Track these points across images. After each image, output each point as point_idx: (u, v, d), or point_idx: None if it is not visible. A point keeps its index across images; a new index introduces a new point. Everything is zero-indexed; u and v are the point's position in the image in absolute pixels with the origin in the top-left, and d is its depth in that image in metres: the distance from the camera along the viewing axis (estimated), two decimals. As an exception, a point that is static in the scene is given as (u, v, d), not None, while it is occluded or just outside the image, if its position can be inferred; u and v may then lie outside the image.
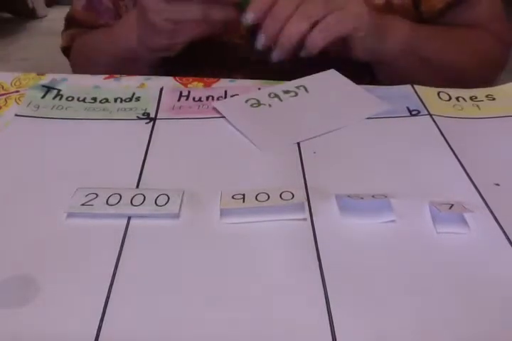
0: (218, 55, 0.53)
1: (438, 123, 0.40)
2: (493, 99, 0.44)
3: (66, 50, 0.62)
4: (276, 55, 0.42)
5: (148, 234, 0.30)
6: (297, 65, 0.44)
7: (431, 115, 0.41)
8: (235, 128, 0.39)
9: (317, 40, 0.41)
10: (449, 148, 0.37)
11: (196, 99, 0.44)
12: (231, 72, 0.50)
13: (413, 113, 0.42)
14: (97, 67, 0.55)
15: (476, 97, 0.44)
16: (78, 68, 0.61)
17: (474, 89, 0.45)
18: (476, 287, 0.27)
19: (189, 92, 0.44)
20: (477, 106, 0.43)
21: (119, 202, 0.31)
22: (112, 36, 0.52)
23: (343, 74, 0.45)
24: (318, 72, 0.46)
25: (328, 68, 0.46)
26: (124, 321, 0.25)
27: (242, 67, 0.51)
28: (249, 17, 0.41)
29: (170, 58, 0.49)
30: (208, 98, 0.44)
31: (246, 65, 0.51)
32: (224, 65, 0.53)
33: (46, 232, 0.30)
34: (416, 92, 0.44)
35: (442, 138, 0.38)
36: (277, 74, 0.45)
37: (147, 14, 0.42)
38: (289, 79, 0.45)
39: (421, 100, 0.43)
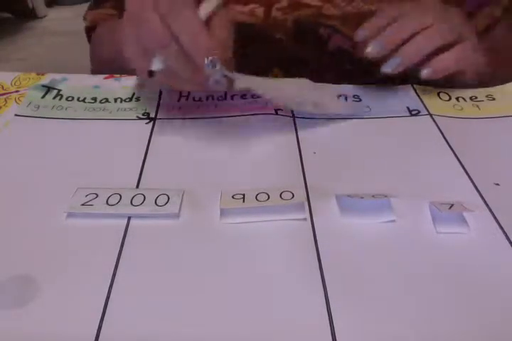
0: (262, 49, 0.52)
1: (438, 123, 0.40)
2: (493, 99, 0.44)
3: (89, 31, 0.58)
4: (390, 68, 0.40)
5: (148, 234, 0.30)
6: (335, 65, 0.44)
7: (431, 115, 0.41)
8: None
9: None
10: (449, 148, 0.37)
11: (196, 99, 0.44)
12: (271, 67, 0.50)
13: (413, 113, 0.42)
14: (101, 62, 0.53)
15: (476, 97, 0.44)
16: (94, 56, 0.58)
17: (474, 89, 0.45)
18: (476, 287, 0.27)
19: (189, 93, 0.44)
20: (477, 106, 0.43)
21: (119, 202, 0.31)
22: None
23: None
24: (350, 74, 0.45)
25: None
26: (124, 321, 0.25)
27: (281, 63, 0.51)
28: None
29: None
30: (207, 98, 0.44)
31: (286, 61, 0.51)
32: (266, 59, 0.52)
33: (46, 232, 0.30)
34: (416, 92, 0.44)
35: (442, 138, 0.38)
36: (314, 74, 0.45)
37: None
38: (323, 80, 0.45)
39: (421, 100, 0.43)
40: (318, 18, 0.50)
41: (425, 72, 0.39)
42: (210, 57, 0.34)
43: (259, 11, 0.51)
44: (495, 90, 0.45)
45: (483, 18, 0.51)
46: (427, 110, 0.42)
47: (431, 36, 0.39)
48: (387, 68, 0.39)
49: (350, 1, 0.49)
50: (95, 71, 0.60)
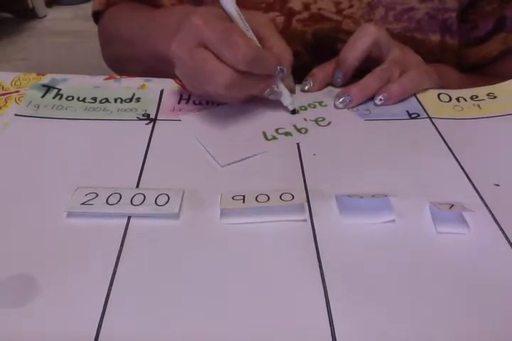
0: None
1: (437, 126, 0.40)
2: (494, 97, 0.44)
3: (96, 15, 0.57)
4: (342, 104, 0.43)
5: (148, 234, 0.30)
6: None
7: (430, 118, 0.41)
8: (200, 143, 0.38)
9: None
10: (448, 150, 0.37)
11: (196, 102, 0.44)
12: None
13: (412, 116, 0.42)
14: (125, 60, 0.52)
15: (476, 96, 0.44)
16: (103, 47, 0.57)
17: (475, 88, 0.45)
18: (476, 287, 0.27)
19: (189, 96, 0.44)
20: (478, 105, 0.43)
21: (119, 201, 0.31)
22: (148, 39, 0.46)
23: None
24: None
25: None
26: (124, 321, 0.25)
27: (295, 74, 0.51)
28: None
29: None
30: (208, 102, 0.44)
31: (300, 73, 0.50)
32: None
33: (46, 232, 0.30)
34: (415, 96, 0.44)
35: (442, 140, 0.38)
36: None
37: (215, 86, 0.36)
38: None
39: (420, 103, 0.43)
40: (337, 33, 0.50)
41: (379, 101, 0.42)
42: (279, 67, 0.38)
43: (280, 19, 0.50)
44: (496, 88, 0.45)
45: (497, 43, 0.51)
46: (427, 113, 0.42)
47: (379, 75, 0.42)
48: (340, 105, 0.42)
49: (369, 19, 0.49)
50: (105, 46, 0.58)
